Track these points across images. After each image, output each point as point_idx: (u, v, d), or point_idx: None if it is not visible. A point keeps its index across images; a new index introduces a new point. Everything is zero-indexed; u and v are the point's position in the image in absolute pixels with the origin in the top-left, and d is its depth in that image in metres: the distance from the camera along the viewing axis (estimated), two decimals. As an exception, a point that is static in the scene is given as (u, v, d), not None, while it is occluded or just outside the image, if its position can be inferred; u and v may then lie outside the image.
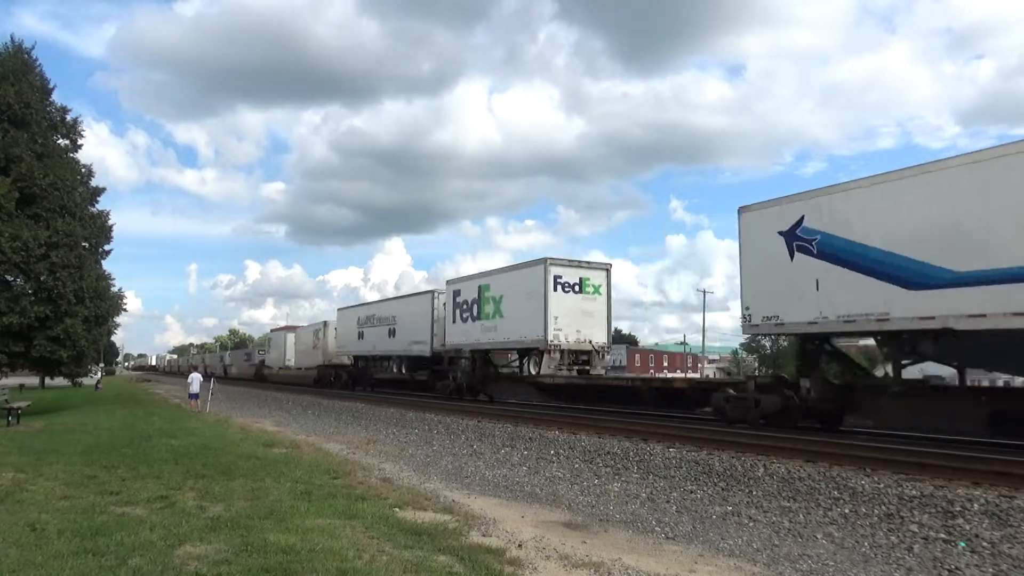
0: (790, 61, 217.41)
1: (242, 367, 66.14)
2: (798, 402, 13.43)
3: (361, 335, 34.29)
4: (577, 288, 20.63)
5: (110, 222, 28.88)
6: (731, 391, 14.94)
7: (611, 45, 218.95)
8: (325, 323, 39.62)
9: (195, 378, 26.95)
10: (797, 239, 13.34)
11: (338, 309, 38.04)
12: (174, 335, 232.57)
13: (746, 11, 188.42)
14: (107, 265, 29.65)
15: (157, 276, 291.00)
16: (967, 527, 7.24)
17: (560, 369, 20.32)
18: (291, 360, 46.74)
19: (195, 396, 25.79)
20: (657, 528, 7.87)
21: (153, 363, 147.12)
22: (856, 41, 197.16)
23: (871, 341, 13.76)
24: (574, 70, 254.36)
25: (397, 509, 8.04)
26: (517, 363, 23.52)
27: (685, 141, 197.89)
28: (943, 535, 7.15)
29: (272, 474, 10.11)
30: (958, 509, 7.67)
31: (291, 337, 48.01)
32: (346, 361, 37.02)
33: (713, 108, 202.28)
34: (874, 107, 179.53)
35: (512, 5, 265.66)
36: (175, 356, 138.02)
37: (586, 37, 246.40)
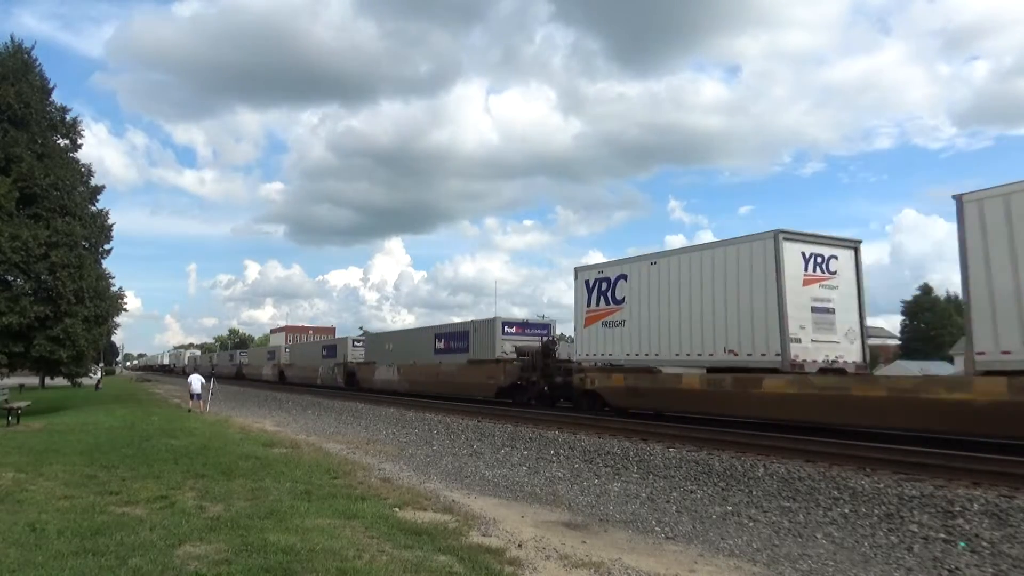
0: (786, 62, 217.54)
1: (430, 366, 29.13)
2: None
3: None
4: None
5: (110, 221, 28.90)
6: None
7: (607, 46, 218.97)
8: None
9: (195, 379, 27.01)
10: None
11: None
12: (174, 335, 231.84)
13: (741, 13, 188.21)
14: (107, 265, 29.61)
15: (157, 276, 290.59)
16: (967, 527, 7.24)
17: None
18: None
19: (198, 396, 25.88)
20: (657, 528, 7.87)
21: (165, 362, 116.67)
22: (851, 42, 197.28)
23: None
24: (571, 71, 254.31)
25: (397, 509, 8.04)
26: None
27: (683, 142, 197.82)
28: (943, 535, 7.15)
29: (272, 474, 10.11)
30: (958, 509, 7.68)
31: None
32: None
33: (710, 109, 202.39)
34: (871, 108, 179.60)
35: (509, 6, 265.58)
36: (197, 352, 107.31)
37: (582, 38, 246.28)
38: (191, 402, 25.92)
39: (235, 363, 71.07)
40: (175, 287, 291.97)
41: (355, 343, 41.23)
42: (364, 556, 5.87)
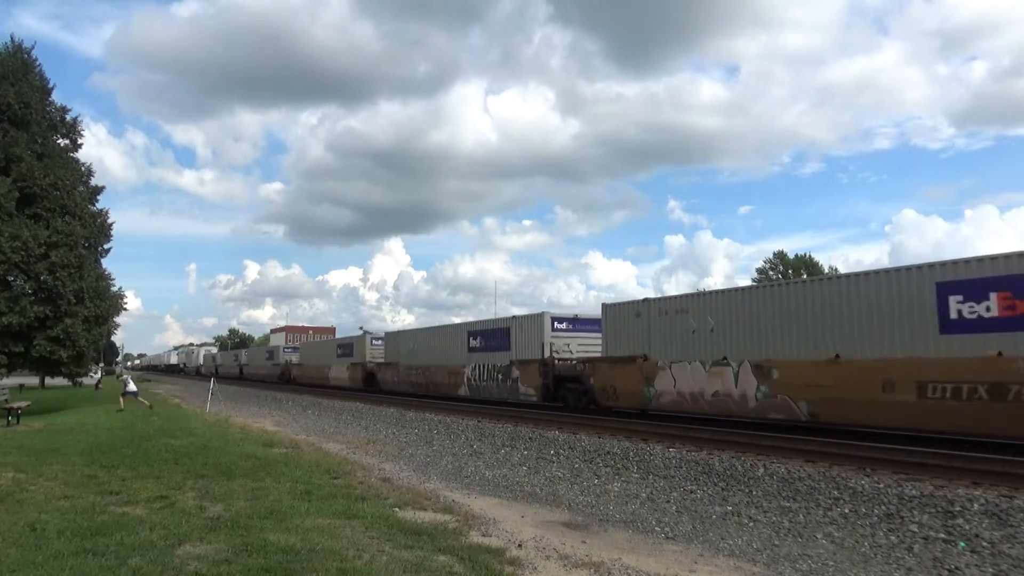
0: (784, 63, 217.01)
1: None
2: None
3: None
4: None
5: (109, 221, 28.90)
6: None
7: (606, 47, 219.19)
8: None
9: (129, 379, 28.13)
10: None
11: None
12: (174, 335, 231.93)
13: (739, 13, 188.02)
14: (107, 264, 29.68)
15: (157, 276, 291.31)
16: (967, 527, 7.24)
17: None
18: None
19: (134, 393, 26.20)
20: (657, 528, 7.87)
21: (172, 361, 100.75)
22: (849, 42, 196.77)
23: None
24: (569, 71, 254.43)
25: (397, 509, 8.04)
26: None
27: (681, 142, 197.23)
28: (943, 535, 7.15)
29: (272, 474, 10.11)
30: (958, 509, 7.68)
31: None
32: None
33: (708, 109, 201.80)
34: (869, 108, 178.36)
35: (507, 7, 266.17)
36: (214, 350, 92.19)
37: (580, 39, 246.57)
38: (124, 398, 25.55)
39: (276, 362, 52.22)
40: (175, 287, 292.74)
41: (559, 323, 22.52)
42: (364, 556, 5.87)
